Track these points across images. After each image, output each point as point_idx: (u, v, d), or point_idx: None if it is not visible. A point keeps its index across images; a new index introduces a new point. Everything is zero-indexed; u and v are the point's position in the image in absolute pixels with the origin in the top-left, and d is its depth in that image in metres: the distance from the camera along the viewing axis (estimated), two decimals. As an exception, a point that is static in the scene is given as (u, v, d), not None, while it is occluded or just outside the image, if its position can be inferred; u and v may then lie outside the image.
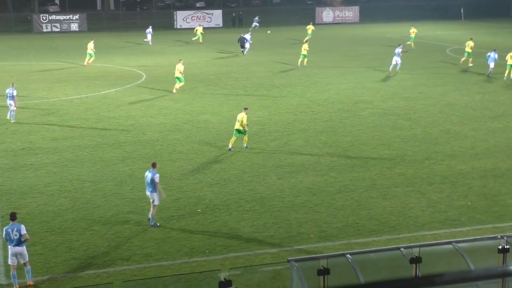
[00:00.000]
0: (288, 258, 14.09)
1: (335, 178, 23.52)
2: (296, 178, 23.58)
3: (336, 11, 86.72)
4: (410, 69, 46.83)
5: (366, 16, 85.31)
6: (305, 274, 13.24)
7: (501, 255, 13.55)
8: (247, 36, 56.50)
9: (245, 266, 16.71)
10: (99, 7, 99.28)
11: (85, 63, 49.29)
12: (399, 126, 30.88)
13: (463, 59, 47.43)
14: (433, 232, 19.04)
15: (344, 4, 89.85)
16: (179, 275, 16.33)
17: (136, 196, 21.85)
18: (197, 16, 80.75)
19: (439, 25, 76.32)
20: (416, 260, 13.32)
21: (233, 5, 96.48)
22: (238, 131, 26.67)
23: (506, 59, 42.28)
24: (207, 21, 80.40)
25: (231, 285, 12.86)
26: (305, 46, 48.69)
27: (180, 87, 38.77)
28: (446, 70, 46.55)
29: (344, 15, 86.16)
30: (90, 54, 49.27)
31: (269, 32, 71.62)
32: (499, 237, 14.25)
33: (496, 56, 43.76)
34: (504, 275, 10.50)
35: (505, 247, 13.56)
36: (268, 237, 18.71)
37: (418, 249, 13.70)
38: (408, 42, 58.99)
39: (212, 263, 17.08)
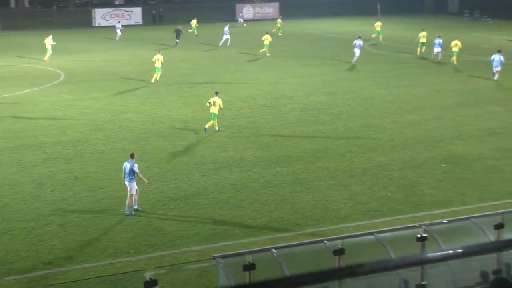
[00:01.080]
0: (214, 255, 14.11)
1: (259, 174, 23.68)
2: (220, 174, 23.60)
3: (256, 8, 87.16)
4: (330, 64, 47.68)
5: (286, 12, 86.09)
6: (231, 270, 13.29)
7: (420, 243, 14.00)
8: (226, 29, 58.72)
9: (171, 265, 16.63)
10: (13, 4, 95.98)
11: (46, 59, 48.81)
12: (320, 120, 31.38)
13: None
14: (355, 223, 19.49)
15: (264, 0, 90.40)
16: (103, 276, 16.07)
17: (57, 198, 21.33)
18: (116, 14, 79.27)
19: (357, 21, 78.01)
20: (339, 252, 13.57)
21: (153, 3, 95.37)
22: (215, 114, 28.53)
23: (451, 46, 45.96)
24: (127, 19, 79.06)
25: (156, 285, 12.74)
26: (267, 37, 51.07)
27: (159, 77, 40.20)
28: (364, 65, 47.58)
29: (264, 12, 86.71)
30: (49, 49, 49.16)
31: (189, 30, 71.01)
32: (417, 226, 14.72)
33: (441, 41, 47.51)
34: (422, 262, 10.88)
35: (423, 235, 14.01)
36: (194, 234, 18.67)
37: (341, 241, 13.99)
38: (373, 35, 61.13)
39: (137, 263, 16.89)
